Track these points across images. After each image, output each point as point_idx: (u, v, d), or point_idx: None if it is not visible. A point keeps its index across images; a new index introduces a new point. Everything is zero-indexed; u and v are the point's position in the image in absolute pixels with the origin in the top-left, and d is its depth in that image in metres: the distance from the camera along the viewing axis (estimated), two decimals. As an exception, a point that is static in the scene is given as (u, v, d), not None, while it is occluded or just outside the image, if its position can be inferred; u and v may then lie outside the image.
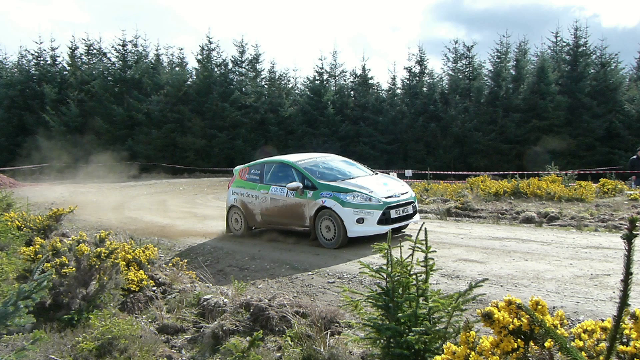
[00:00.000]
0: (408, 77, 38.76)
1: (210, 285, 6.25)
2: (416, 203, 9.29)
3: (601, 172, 19.69)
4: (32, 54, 41.19)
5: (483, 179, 15.97)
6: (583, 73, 33.67)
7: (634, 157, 15.67)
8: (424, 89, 37.88)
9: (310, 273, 7.02)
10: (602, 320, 4.25)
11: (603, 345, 1.90)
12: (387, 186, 8.90)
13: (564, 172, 16.85)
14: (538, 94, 33.10)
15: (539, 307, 1.93)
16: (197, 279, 6.76)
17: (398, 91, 39.96)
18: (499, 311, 1.95)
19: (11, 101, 38.27)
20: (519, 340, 1.88)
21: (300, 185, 8.87)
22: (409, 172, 27.37)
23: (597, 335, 1.89)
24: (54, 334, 4.83)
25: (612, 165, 25.64)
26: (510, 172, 18.68)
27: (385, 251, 3.83)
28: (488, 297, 5.01)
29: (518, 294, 5.20)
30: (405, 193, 8.94)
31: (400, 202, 8.59)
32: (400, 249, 3.86)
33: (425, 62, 38.51)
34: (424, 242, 3.70)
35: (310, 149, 35.70)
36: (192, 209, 15.09)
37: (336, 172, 9.45)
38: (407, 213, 8.72)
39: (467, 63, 37.71)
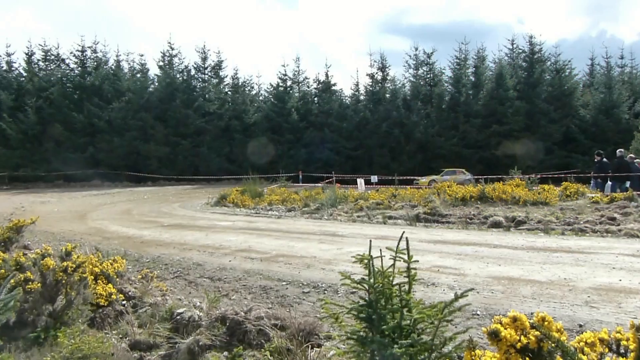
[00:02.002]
0: (371, 83, 39.15)
1: (182, 298, 6.09)
2: None
3: (562, 175, 20.26)
4: (-14, 60, 39.85)
5: (449, 184, 16.18)
6: (539, 79, 34.74)
7: (602, 159, 16.05)
8: (387, 95, 38.33)
9: (284, 283, 6.92)
10: (581, 326, 4.32)
11: (608, 359, 1.89)
12: None
13: (527, 176, 17.26)
14: (497, 100, 33.97)
15: (546, 323, 1.92)
16: (168, 292, 6.57)
17: (362, 97, 40.29)
18: (504, 328, 1.93)
19: (-35, 109, 36.92)
20: (527, 358, 1.86)
21: None
22: (374, 178, 27.59)
23: (598, 348, 1.88)
24: (19, 354, 4.60)
25: (570, 169, 26.45)
26: (475, 177, 19.00)
27: (367, 261, 3.79)
28: (466, 305, 5.02)
29: (495, 301, 5.24)
30: None
31: None
32: (381, 259, 3.81)
33: (387, 69, 38.99)
34: (404, 251, 3.67)
35: (275, 156, 35.63)
36: (158, 218, 14.77)
37: None
38: None
39: (427, 70, 38.36)
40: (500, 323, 2.01)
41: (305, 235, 10.72)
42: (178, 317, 5.38)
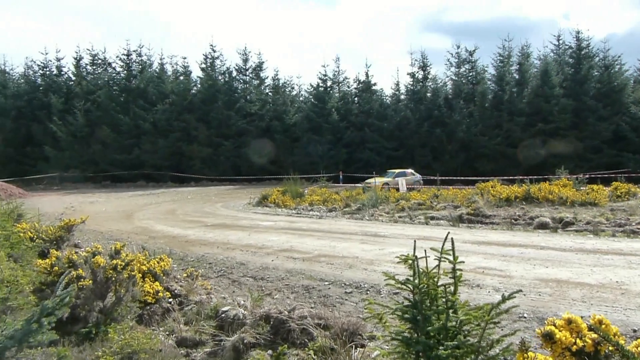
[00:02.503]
0: (411, 82, 38.71)
1: (227, 296, 6.18)
2: None
3: (612, 175, 19.59)
4: (38, 65, 41.52)
5: (493, 184, 15.86)
6: (587, 76, 33.56)
7: None
8: (428, 94, 37.81)
9: (326, 283, 6.94)
10: (635, 331, 4.17)
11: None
12: None
13: (575, 175, 16.74)
14: (542, 98, 32.98)
15: (603, 325, 1.86)
16: (213, 290, 6.68)
17: (402, 97, 39.90)
18: (559, 330, 1.88)
19: (18, 112, 38.51)
20: (582, 361, 1.81)
21: None
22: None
23: (657, 353, 1.81)
24: (72, 348, 4.76)
25: (621, 168, 25.53)
26: (520, 177, 18.58)
27: (411, 262, 3.75)
28: (514, 307, 4.92)
29: (542, 304, 5.12)
30: None
31: None
32: (426, 259, 3.77)
33: (428, 68, 38.46)
34: (449, 251, 3.62)
35: (315, 157, 35.71)
36: (201, 218, 15.04)
37: None
38: None
39: (469, 68, 37.67)
40: (554, 325, 1.96)
41: (346, 236, 10.71)
42: (223, 315, 5.46)
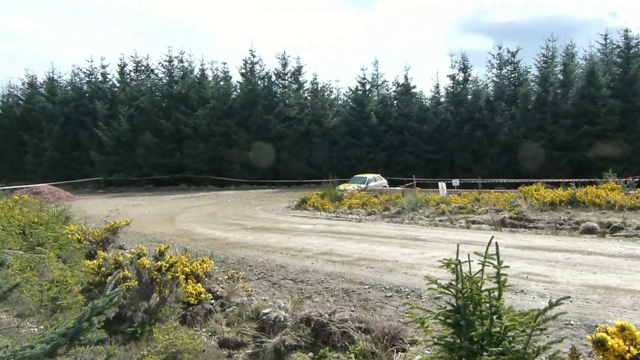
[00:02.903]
0: (452, 84, 38.13)
1: (267, 298, 6.23)
2: None
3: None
4: (84, 72, 42.82)
5: (537, 187, 15.46)
6: (636, 76, 32.38)
7: None
8: (469, 96, 37.15)
9: (366, 286, 6.92)
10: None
11: None
12: None
13: (624, 179, 16.14)
14: (588, 99, 31.98)
15: (658, 333, 1.80)
16: (254, 292, 6.75)
17: (442, 99, 39.37)
18: (611, 337, 1.83)
19: (66, 118, 39.84)
20: (636, 370, 1.75)
21: None
22: (456, 182, 26.90)
23: None
24: (119, 347, 4.88)
25: (673, 172, 24.53)
26: (564, 180, 18.08)
27: (454, 266, 3.70)
28: (561, 314, 4.80)
29: (590, 311, 4.97)
30: None
31: None
32: (469, 264, 3.72)
33: (469, 70, 37.81)
34: (493, 256, 3.56)
35: (354, 160, 35.66)
36: (241, 221, 15.22)
37: None
38: None
39: (512, 69, 36.89)
40: (606, 332, 1.90)
41: (386, 239, 10.66)
42: (264, 317, 5.52)
